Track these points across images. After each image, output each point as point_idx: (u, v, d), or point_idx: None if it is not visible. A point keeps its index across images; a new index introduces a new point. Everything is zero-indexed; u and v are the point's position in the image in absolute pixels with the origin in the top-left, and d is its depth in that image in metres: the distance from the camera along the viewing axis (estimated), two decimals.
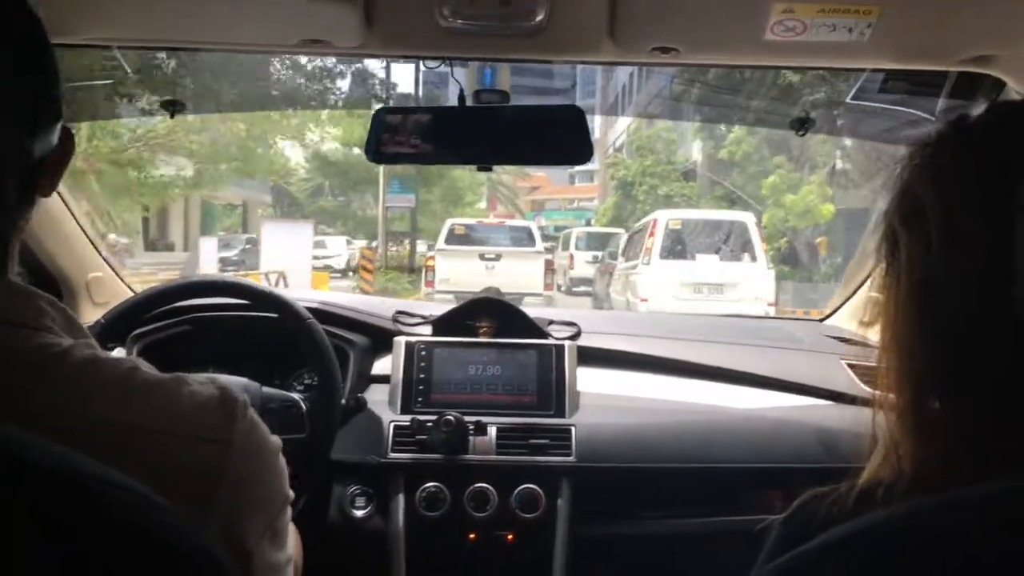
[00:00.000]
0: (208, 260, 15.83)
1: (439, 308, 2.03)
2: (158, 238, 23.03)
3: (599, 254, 17.30)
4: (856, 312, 2.25)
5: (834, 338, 2.13)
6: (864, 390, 1.85)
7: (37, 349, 0.71)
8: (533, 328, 1.95)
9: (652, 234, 11.98)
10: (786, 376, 1.93)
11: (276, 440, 0.82)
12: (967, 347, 0.63)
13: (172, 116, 1.64)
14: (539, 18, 1.31)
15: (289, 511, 0.86)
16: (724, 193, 19.43)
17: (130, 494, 0.61)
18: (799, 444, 1.77)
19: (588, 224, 26.85)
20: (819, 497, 0.70)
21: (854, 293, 2.35)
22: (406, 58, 1.54)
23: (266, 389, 1.63)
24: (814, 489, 0.71)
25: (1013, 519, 0.52)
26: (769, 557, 0.68)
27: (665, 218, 12.30)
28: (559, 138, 1.55)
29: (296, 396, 1.67)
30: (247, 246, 20.70)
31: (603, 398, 1.86)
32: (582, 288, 17.33)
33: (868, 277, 2.29)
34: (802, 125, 1.64)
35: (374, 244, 20.89)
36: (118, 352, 1.76)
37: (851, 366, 1.95)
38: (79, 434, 0.64)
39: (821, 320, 2.41)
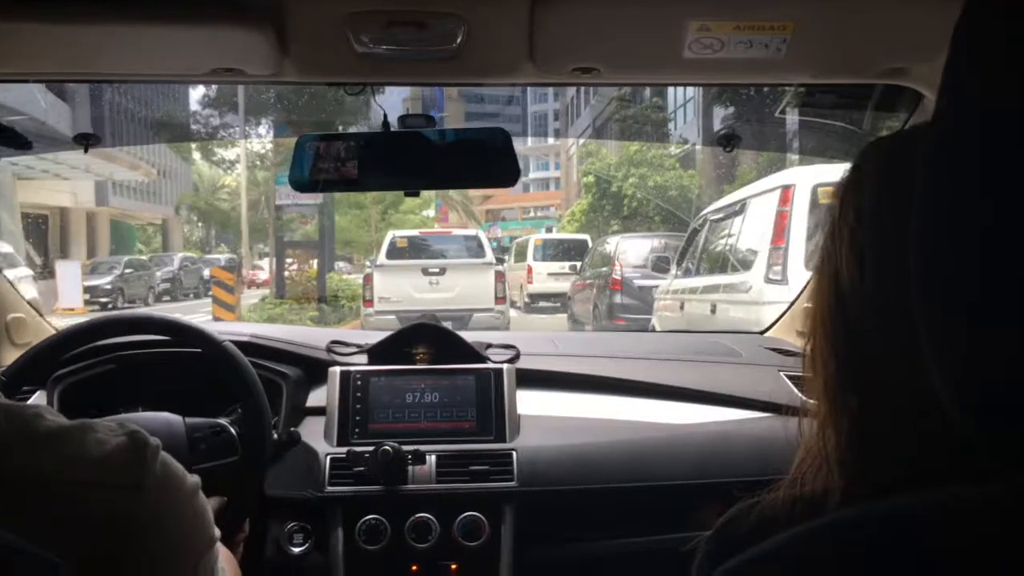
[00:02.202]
0: (69, 289, 13.02)
1: (375, 336, 1.99)
2: (48, 259, 19.62)
3: (566, 265, 15.16)
4: (794, 323, 2.27)
5: (773, 350, 2.14)
6: (803, 401, 1.86)
7: None
8: (471, 353, 1.92)
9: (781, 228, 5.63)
10: (725, 390, 1.93)
11: (194, 480, 0.80)
12: (875, 353, 0.64)
13: (86, 151, 1.59)
14: (457, 42, 1.29)
15: (217, 549, 0.83)
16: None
17: (24, 558, 0.58)
18: (739, 457, 1.77)
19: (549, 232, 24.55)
20: (742, 513, 0.69)
21: (792, 304, 2.37)
22: (324, 84, 1.51)
23: (190, 419, 1.58)
24: (737, 505, 0.71)
25: (923, 535, 0.52)
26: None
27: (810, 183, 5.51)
28: (486, 161, 1.54)
29: (224, 421, 1.62)
30: (127, 271, 17.87)
31: (544, 420, 1.85)
32: (543, 304, 15.44)
33: (804, 288, 2.32)
34: (728, 141, 1.65)
35: (237, 256, 18.03)
36: (36, 397, 1.69)
37: (790, 377, 1.95)
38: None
39: (761, 333, 2.43)
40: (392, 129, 1.54)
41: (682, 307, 7.04)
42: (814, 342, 0.71)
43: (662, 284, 8.40)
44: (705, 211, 8.00)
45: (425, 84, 1.54)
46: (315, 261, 16.09)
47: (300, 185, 1.55)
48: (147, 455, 0.74)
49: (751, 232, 6.10)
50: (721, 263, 6.68)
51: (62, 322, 2.04)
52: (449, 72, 1.43)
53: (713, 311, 6.02)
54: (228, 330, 1.79)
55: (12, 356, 1.86)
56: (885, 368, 0.64)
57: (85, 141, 1.57)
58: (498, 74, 1.46)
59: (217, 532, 0.83)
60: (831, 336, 0.68)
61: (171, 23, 1.20)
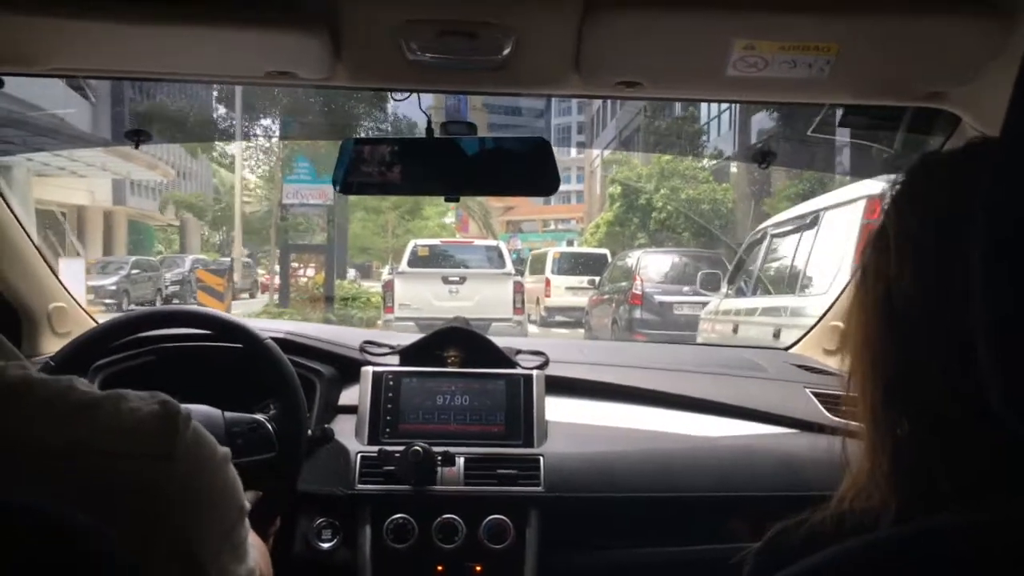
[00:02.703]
0: (70, 288, 12.57)
1: (407, 338, 2.02)
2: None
3: (584, 279, 15.01)
4: (820, 341, 2.28)
5: (798, 366, 2.16)
6: (829, 418, 1.87)
7: None
8: (501, 358, 1.95)
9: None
10: (752, 404, 1.94)
11: (224, 450, 0.81)
12: (926, 373, 0.64)
13: (137, 147, 1.63)
14: (505, 52, 1.32)
15: (247, 523, 0.85)
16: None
17: (61, 522, 0.61)
18: (765, 472, 1.79)
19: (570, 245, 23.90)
20: (791, 528, 0.70)
21: (819, 322, 2.38)
22: (374, 90, 1.54)
23: (228, 414, 1.61)
24: (786, 520, 0.72)
25: (972, 553, 0.53)
26: None
27: None
28: (525, 169, 1.57)
29: (261, 417, 1.65)
30: (135, 271, 17.11)
31: (571, 427, 1.87)
32: (559, 318, 15.29)
33: (832, 306, 2.33)
34: (764, 158, 1.67)
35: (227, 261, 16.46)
36: None
37: (816, 394, 1.97)
38: (17, 457, 0.64)
39: (786, 349, 2.44)
40: (435, 135, 1.58)
41: (735, 330, 6.36)
42: (858, 363, 0.71)
43: (710, 303, 7.62)
44: (764, 224, 7.32)
45: (471, 93, 1.58)
46: (313, 265, 15.35)
47: (344, 186, 1.58)
48: (179, 424, 0.75)
49: (826, 248, 5.46)
50: (787, 282, 6.00)
51: (101, 316, 2.08)
52: (495, 82, 1.46)
53: (776, 336, 5.26)
54: (266, 327, 1.82)
55: (53, 344, 1.92)
56: (937, 387, 0.63)
57: (136, 137, 1.61)
58: (543, 85, 1.49)
59: (247, 503, 0.84)
60: (879, 356, 0.68)
61: (229, 26, 1.24)
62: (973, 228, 0.51)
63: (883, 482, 0.67)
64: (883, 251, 0.69)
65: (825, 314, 2.35)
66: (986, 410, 0.51)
